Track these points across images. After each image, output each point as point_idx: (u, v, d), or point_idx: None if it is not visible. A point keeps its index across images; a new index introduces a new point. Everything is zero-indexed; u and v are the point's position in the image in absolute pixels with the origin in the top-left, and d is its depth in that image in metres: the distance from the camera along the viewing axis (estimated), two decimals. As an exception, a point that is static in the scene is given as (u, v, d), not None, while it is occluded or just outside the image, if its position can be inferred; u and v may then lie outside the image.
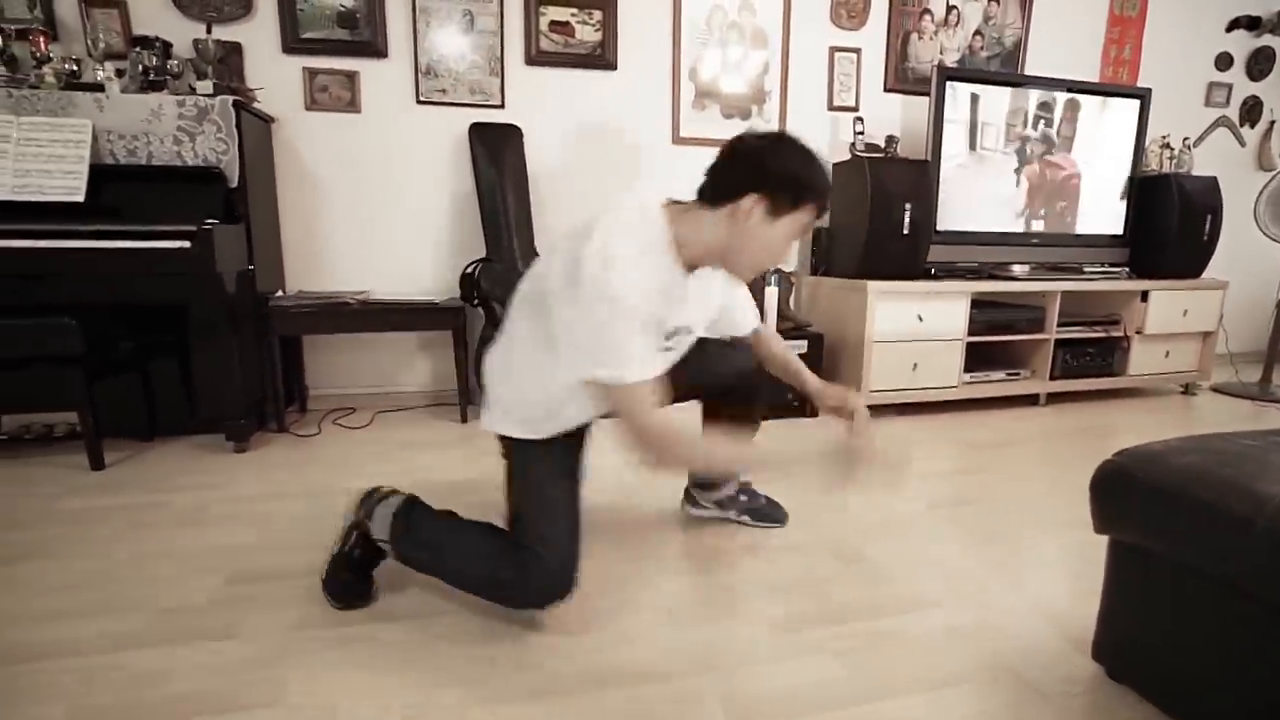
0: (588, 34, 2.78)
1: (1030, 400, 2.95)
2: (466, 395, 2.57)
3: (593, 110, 2.84)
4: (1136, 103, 3.09)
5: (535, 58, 2.73)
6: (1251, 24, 3.66)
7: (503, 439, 1.23)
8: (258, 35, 2.49)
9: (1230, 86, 3.75)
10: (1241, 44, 3.72)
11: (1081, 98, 3.00)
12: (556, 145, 2.81)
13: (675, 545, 1.56)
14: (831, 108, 3.13)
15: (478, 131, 2.65)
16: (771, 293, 2.60)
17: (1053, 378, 2.92)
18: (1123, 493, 1.01)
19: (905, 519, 1.71)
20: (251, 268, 2.25)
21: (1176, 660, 0.98)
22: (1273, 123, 3.86)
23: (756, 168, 1.06)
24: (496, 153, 2.65)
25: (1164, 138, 3.25)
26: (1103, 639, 1.10)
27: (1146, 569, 1.02)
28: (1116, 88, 3.22)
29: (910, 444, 2.38)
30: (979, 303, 2.75)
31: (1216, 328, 3.19)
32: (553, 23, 2.74)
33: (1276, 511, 0.81)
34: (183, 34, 2.36)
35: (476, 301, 2.58)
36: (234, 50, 2.46)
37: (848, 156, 2.82)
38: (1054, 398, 2.98)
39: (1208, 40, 3.68)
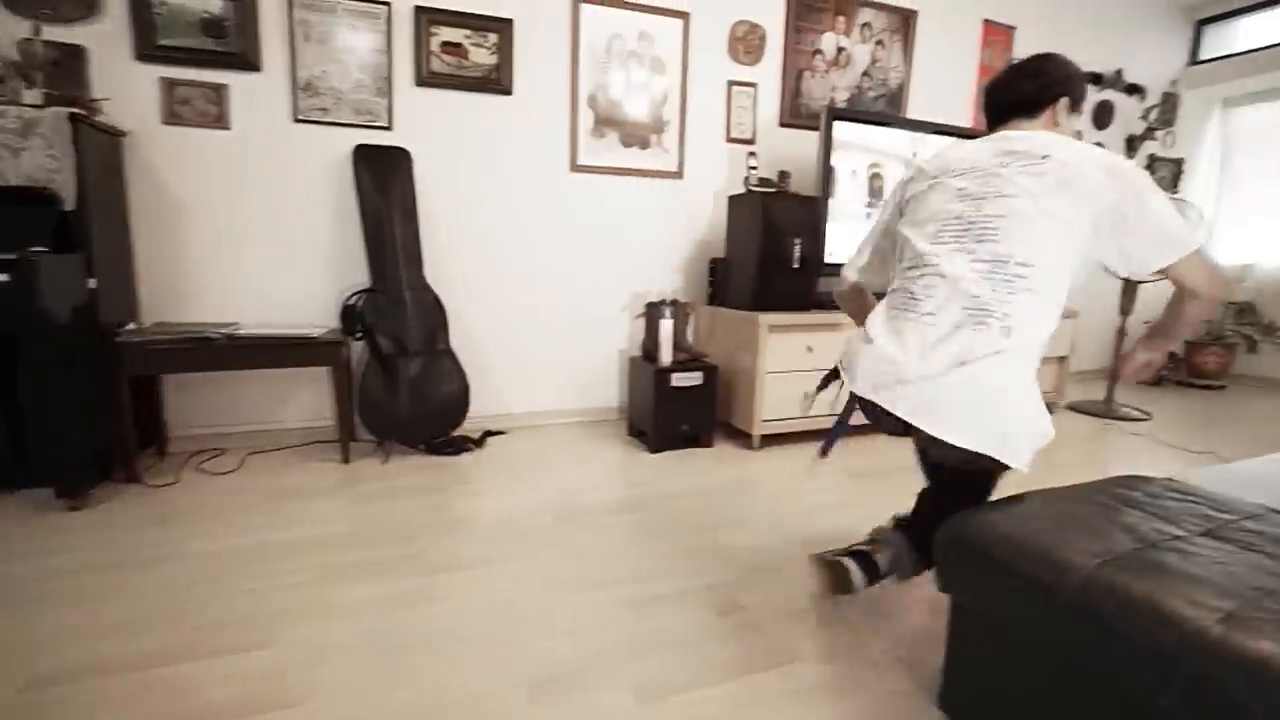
0: (482, 57, 2.71)
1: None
2: (349, 432, 2.42)
3: (487, 135, 2.76)
4: (1001, 147, 3.35)
5: (426, 79, 2.63)
6: (1095, 80, 4.08)
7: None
8: (105, 40, 2.25)
9: (1080, 133, 4.16)
10: (1088, 97, 4.14)
11: (951, 139, 3.22)
12: (448, 171, 2.72)
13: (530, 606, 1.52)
14: (729, 140, 3.21)
15: (363, 154, 2.51)
16: (666, 325, 2.62)
17: (931, 403, 3.11)
18: (958, 558, 1.07)
19: (780, 560, 1.75)
20: (93, 297, 2.02)
21: (1012, 711, 1.04)
22: (1116, 167, 4.31)
23: (1068, 73, 1.36)
24: (382, 177, 2.53)
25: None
26: (946, 688, 1.17)
27: (982, 625, 1.09)
28: (980, 132, 3.47)
29: (797, 476, 2.46)
30: (864, 333, 2.88)
31: (1070, 352, 3.52)
32: (445, 43, 2.64)
33: (1079, 584, 0.88)
34: (8, 34, 2.10)
35: (359, 334, 2.45)
36: (74, 55, 2.21)
37: (743, 190, 2.90)
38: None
39: (1062, 90, 4.06)
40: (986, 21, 3.76)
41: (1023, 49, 3.86)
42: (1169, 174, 4.52)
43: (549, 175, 2.88)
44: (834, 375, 1.46)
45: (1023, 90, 1.36)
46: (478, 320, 2.85)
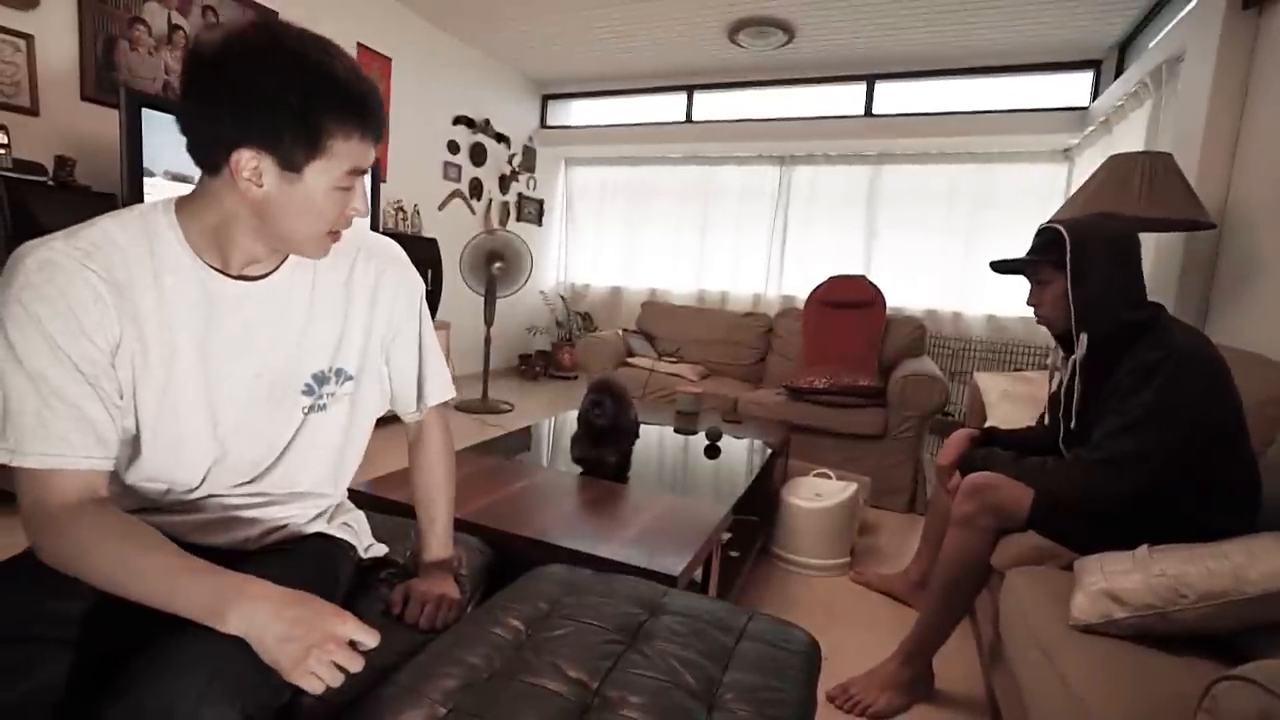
0: None
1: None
2: None
3: None
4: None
5: None
6: (469, 123, 4.77)
7: None
8: None
9: (460, 166, 4.80)
10: (465, 136, 4.81)
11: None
12: None
13: None
14: (-11, 102, 2.41)
15: None
16: None
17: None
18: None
19: None
20: None
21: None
22: (491, 199, 5.16)
23: (234, 104, 0.65)
24: None
25: (398, 202, 3.87)
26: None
27: None
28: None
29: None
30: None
31: (450, 360, 4.01)
32: None
33: None
34: None
35: None
36: None
37: (-12, 172, 2.19)
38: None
39: (443, 128, 4.60)
40: (362, 45, 3.92)
41: (402, 83, 4.18)
42: (535, 210, 5.69)
43: None
44: None
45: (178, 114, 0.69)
46: None
